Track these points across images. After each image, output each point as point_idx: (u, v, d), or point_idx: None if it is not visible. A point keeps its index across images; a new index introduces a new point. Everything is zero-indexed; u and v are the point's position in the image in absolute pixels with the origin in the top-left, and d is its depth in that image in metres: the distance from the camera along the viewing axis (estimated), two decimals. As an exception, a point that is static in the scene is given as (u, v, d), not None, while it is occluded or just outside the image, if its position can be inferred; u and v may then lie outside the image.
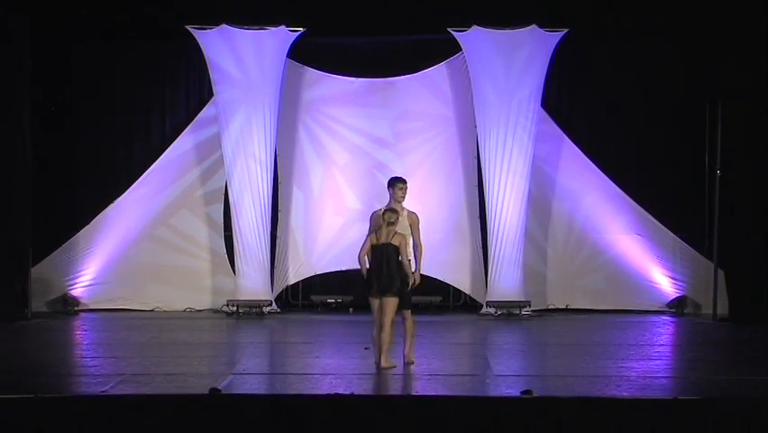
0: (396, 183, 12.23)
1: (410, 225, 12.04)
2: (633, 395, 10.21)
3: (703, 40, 17.33)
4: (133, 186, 18.22)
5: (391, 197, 12.21)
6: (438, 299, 18.05)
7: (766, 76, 16.57)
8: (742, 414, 9.26)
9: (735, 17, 16.74)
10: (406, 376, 11.39)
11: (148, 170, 18.27)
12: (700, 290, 17.99)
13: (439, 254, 17.08)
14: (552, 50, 17.58)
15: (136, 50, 18.33)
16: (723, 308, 17.23)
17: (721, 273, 17.39)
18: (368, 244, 11.82)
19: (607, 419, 9.29)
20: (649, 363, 12.59)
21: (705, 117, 17.49)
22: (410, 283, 11.81)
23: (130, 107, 18.44)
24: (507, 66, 17.57)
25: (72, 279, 18.02)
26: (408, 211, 12.15)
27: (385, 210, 11.89)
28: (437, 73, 18.48)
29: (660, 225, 18.15)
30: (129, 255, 18.18)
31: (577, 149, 18.29)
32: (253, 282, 17.72)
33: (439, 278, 17.61)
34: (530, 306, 17.61)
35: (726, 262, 17.31)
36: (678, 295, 18.08)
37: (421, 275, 12.15)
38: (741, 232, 16.94)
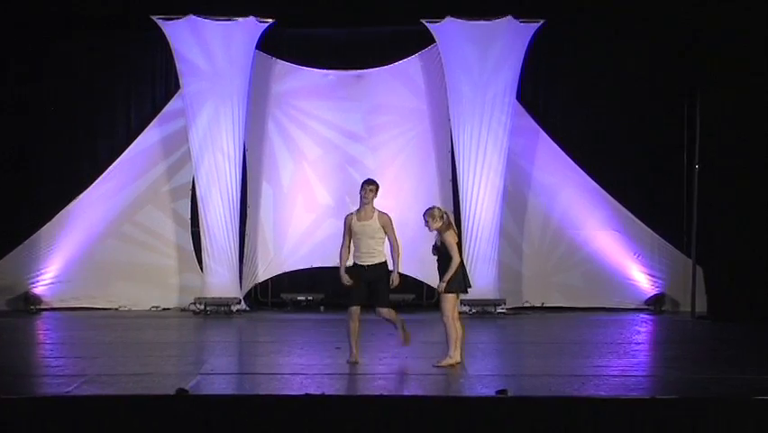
0: (363, 185, 12.26)
1: (383, 227, 12.07)
2: (610, 394, 10.26)
3: (681, 31, 17.41)
4: (97, 181, 18.16)
5: (361, 199, 12.23)
6: (411, 296, 18.06)
7: (746, 67, 16.63)
8: (721, 413, 9.32)
9: (712, 8, 16.81)
10: (379, 376, 11.40)
11: (112, 165, 18.22)
12: (679, 288, 18.10)
13: (412, 251, 17.07)
14: (527, 41, 17.63)
15: (100, 41, 18.22)
16: (702, 306, 17.33)
17: (700, 270, 17.50)
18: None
19: (584, 419, 9.33)
20: (626, 362, 12.64)
21: (683, 111, 17.58)
22: (390, 284, 11.93)
23: (94, 100, 18.35)
24: (481, 58, 17.61)
25: (34, 277, 17.95)
26: (379, 212, 12.17)
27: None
28: (410, 65, 18.50)
29: (638, 220, 18.24)
30: (93, 252, 18.12)
31: (553, 143, 18.35)
32: (221, 280, 17.70)
33: (412, 275, 17.64)
34: (505, 304, 17.67)
35: (704, 258, 17.41)
36: (656, 292, 18.18)
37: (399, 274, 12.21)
38: (720, 228, 17.02)
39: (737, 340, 14.83)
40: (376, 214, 12.11)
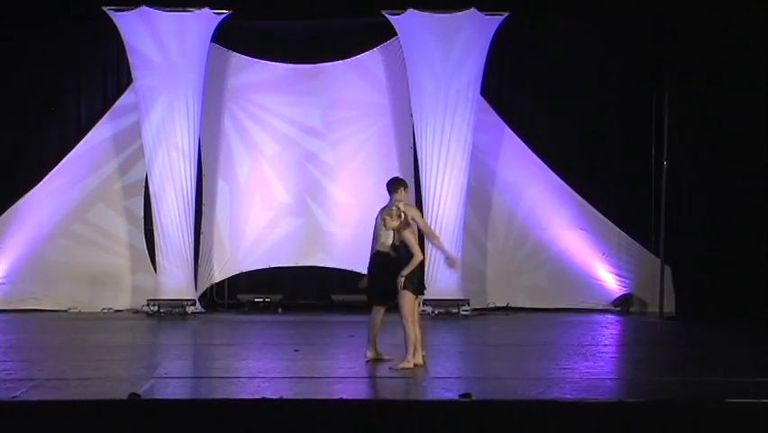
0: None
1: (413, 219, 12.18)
2: (576, 398, 10.28)
3: (649, 25, 17.50)
4: (46, 178, 18.05)
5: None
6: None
7: (715, 62, 16.72)
8: (690, 416, 9.36)
9: (679, 2, 16.91)
10: (339, 379, 11.39)
11: (62, 162, 18.11)
12: (647, 288, 18.19)
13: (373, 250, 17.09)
14: (492, 34, 17.65)
15: (49, 33, 18.09)
16: (670, 307, 17.44)
17: (668, 270, 17.61)
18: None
19: (549, 423, 9.35)
20: (593, 364, 12.67)
21: (652, 107, 17.68)
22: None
23: (43, 94, 18.22)
24: (444, 51, 17.62)
25: (-21, 278, 17.85)
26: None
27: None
28: (371, 59, 18.50)
29: (605, 219, 18.32)
30: (41, 252, 18.00)
31: (518, 139, 18.39)
32: (176, 280, 17.63)
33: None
34: (469, 304, 17.69)
35: (673, 258, 17.51)
36: (623, 293, 18.27)
37: (359, 274, 12.28)
38: (689, 227, 17.13)
39: (707, 341, 14.93)
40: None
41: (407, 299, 11.78)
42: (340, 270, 18.10)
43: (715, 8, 16.61)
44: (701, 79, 16.83)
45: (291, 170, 18.49)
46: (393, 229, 11.90)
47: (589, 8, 17.58)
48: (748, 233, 16.76)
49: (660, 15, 17.29)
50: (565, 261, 18.44)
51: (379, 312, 12.22)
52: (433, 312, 17.40)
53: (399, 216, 11.87)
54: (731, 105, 16.71)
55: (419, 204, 17.91)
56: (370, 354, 12.24)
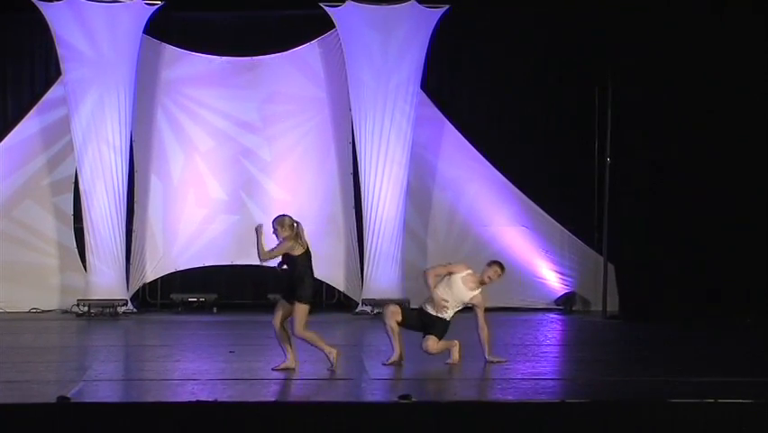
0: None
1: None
2: (518, 399, 10.32)
3: (592, 21, 17.60)
4: (-29, 174, 17.87)
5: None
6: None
7: (658, 59, 16.86)
8: (634, 416, 9.43)
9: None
10: (275, 381, 11.36)
11: (-13, 157, 17.95)
12: (590, 286, 18.33)
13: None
14: (432, 27, 17.70)
15: (-26, 22, 17.93)
16: (613, 305, 17.56)
17: (611, 268, 17.72)
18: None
19: (491, 425, 9.37)
20: (535, 365, 12.73)
21: (594, 102, 17.79)
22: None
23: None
24: (384, 44, 17.64)
25: None
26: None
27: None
28: (309, 51, 18.46)
29: (547, 216, 18.44)
30: (-34, 251, 17.83)
31: (459, 134, 18.45)
32: (107, 280, 17.51)
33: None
34: (409, 304, 17.67)
35: (616, 255, 17.64)
36: (566, 291, 18.39)
37: None
38: (632, 224, 17.26)
39: (650, 341, 15.04)
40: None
41: (304, 311, 11.69)
42: (275, 268, 18.01)
43: (659, 3, 16.76)
44: (644, 76, 16.97)
45: (226, 166, 18.42)
46: (283, 239, 11.80)
47: (532, 1, 17.66)
48: (690, 231, 16.93)
49: (603, 10, 17.38)
50: (507, 258, 18.32)
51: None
52: (372, 312, 17.40)
53: (291, 226, 11.80)
54: (674, 101, 16.88)
55: (358, 201, 17.96)
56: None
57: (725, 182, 16.97)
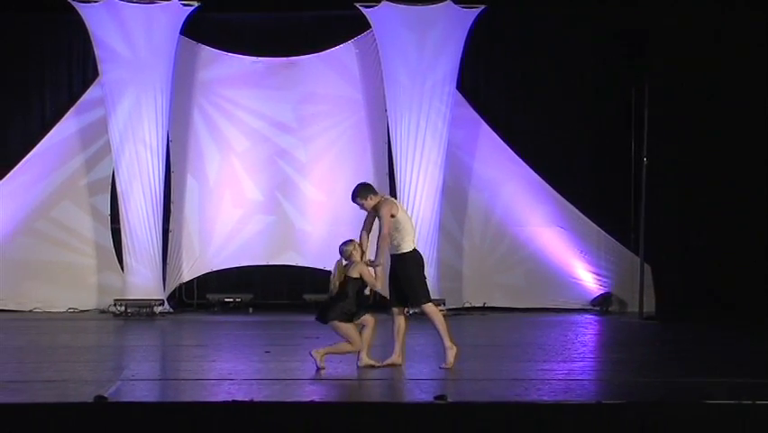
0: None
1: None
2: (554, 399, 10.29)
3: (629, 19, 17.53)
4: (9, 175, 18.02)
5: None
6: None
7: (695, 57, 16.78)
8: (670, 418, 9.39)
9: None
10: (310, 381, 11.37)
11: (26, 158, 18.07)
12: (626, 287, 18.26)
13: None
14: (468, 28, 17.69)
15: (12, 24, 18.04)
16: (650, 306, 17.47)
17: (648, 269, 17.64)
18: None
19: (526, 426, 9.36)
20: (571, 365, 12.70)
21: (631, 101, 17.72)
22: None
23: (4, 88, 18.19)
24: (419, 45, 17.63)
25: (-61, 278, 17.75)
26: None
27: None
28: (344, 52, 18.48)
29: (583, 216, 18.38)
30: (4, 251, 17.94)
31: (495, 135, 18.43)
32: (143, 280, 17.59)
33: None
34: (444, 304, 17.67)
35: (653, 256, 17.55)
36: (602, 292, 18.33)
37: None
38: (669, 224, 17.18)
39: (687, 342, 14.97)
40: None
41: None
42: (312, 269, 18.09)
43: (696, 4, 16.69)
44: (682, 75, 16.87)
45: (262, 167, 18.47)
46: (353, 261, 11.84)
47: (568, 4, 17.62)
48: (729, 231, 16.84)
49: (640, 12, 17.31)
50: (543, 259, 18.49)
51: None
52: (408, 312, 17.36)
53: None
54: (712, 100, 16.78)
55: (394, 202, 17.91)
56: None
57: (763, 184, 16.86)
